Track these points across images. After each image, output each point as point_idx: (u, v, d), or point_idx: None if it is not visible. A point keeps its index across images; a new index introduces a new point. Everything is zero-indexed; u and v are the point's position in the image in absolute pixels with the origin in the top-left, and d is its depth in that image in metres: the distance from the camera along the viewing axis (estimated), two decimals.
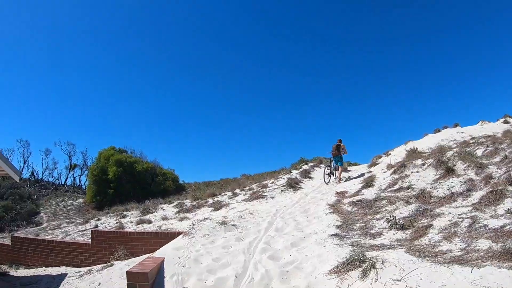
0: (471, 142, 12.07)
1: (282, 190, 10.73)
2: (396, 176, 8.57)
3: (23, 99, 58.36)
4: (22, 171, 31.37)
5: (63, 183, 33.70)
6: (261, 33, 77.52)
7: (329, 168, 11.52)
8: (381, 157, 14.65)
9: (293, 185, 11.22)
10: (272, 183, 12.73)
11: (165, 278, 3.54)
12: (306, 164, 17.33)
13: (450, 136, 14.46)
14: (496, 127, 14.95)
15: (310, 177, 13.49)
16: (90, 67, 67.14)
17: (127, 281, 3.38)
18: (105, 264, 6.17)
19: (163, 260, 3.87)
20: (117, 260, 6.34)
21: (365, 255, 3.32)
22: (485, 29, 66.14)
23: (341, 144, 11.42)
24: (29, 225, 13.86)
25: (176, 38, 75.51)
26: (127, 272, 3.45)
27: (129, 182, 19.57)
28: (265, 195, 10.06)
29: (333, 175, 11.44)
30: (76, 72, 65.26)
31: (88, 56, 66.11)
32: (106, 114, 66.71)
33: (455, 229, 4.35)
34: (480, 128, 15.40)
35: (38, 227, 13.23)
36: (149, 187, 19.72)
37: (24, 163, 32.30)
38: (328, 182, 11.04)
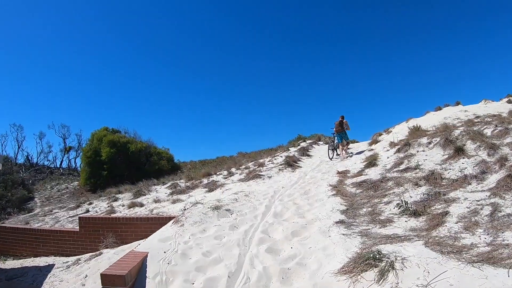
0: (476, 121, 11.59)
1: (279, 169, 10.27)
2: (401, 155, 8.09)
3: (14, 83, 56.49)
4: (16, 156, 30.77)
5: (58, 166, 33.19)
6: (255, 27, 74.85)
7: (333, 144, 11.48)
8: (381, 134, 14.19)
9: (291, 163, 10.78)
10: (269, 161, 12.25)
11: (147, 278, 3.05)
12: (304, 141, 16.87)
13: (453, 114, 13.98)
14: (501, 107, 14.51)
15: (308, 155, 13.04)
16: (84, 52, 65.00)
17: (101, 284, 2.89)
18: (94, 253, 5.83)
19: (146, 256, 3.36)
20: (106, 248, 5.99)
21: (380, 252, 2.84)
22: (485, 8, 64.24)
23: (344, 120, 11.27)
24: (21, 212, 13.45)
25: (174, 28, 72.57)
26: (101, 274, 2.95)
27: (123, 163, 19.08)
28: (262, 175, 9.58)
29: (336, 152, 11.40)
30: (68, 56, 63.14)
31: (82, 43, 63.89)
32: (101, 94, 65.22)
33: (476, 217, 3.89)
34: (484, 107, 14.90)
35: (30, 213, 12.81)
36: (144, 167, 19.26)
37: (19, 148, 31.61)
38: (332, 158, 11.01)
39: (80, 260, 5.92)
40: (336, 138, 11.41)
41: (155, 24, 73.82)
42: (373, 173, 7.19)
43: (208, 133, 67.96)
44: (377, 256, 2.75)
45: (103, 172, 18.70)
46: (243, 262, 3.39)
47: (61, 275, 5.53)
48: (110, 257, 5.33)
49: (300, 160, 11.66)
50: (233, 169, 12.12)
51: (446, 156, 6.85)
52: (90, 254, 5.98)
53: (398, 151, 8.56)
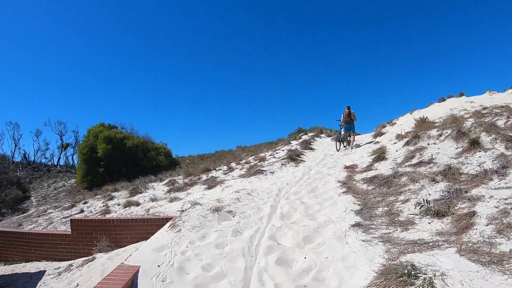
0: (484, 112, 11.16)
1: (282, 164, 9.83)
2: (411, 148, 7.67)
3: (10, 81, 55.54)
4: (13, 154, 30.37)
5: (55, 163, 32.72)
6: (252, 19, 73.62)
7: (340, 135, 11.35)
8: (385, 126, 13.80)
9: (294, 157, 10.35)
10: (270, 155, 11.81)
11: None
12: (306, 134, 16.46)
13: (459, 105, 13.58)
14: (507, 98, 14.12)
15: (311, 148, 12.61)
16: (79, 48, 63.89)
17: None
18: (86, 258, 5.47)
19: (138, 271, 2.93)
20: (99, 252, 5.62)
21: (414, 265, 2.41)
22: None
23: (351, 111, 11.05)
24: (15, 212, 13.02)
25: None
26: None
27: (120, 159, 18.61)
28: (263, 170, 9.14)
29: (343, 143, 11.28)
30: (64, 52, 62.06)
31: (77, 40, 62.74)
32: (98, 90, 64.43)
33: (507, 219, 3.47)
34: (490, 98, 14.50)
35: (24, 214, 12.37)
36: (141, 163, 18.81)
37: (15, 146, 31.07)
38: (339, 150, 10.85)
39: (72, 265, 5.55)
40: (343, 129, 11.22)
41: (151, 17, 72.52)
42: (383, 168, 6.77)
43: (206, 127, 67.42)
44: (412, 272, 2.33)
45: (99, 169, 18.25)
46: (250, 277, 2.94)
47: (51, 283, 5.17)
48: (103, 263, 4.96)
49: (303, 154, 11.23)
50: (233, 164, 11.68)
51: (460, 149, 6.44)
52: (83, 259, 5.63)
53: (407, 143, 8.15)
